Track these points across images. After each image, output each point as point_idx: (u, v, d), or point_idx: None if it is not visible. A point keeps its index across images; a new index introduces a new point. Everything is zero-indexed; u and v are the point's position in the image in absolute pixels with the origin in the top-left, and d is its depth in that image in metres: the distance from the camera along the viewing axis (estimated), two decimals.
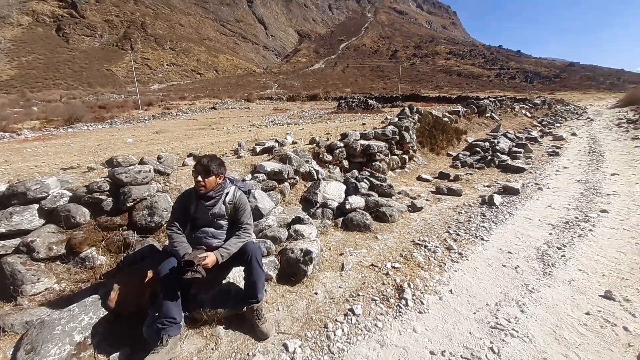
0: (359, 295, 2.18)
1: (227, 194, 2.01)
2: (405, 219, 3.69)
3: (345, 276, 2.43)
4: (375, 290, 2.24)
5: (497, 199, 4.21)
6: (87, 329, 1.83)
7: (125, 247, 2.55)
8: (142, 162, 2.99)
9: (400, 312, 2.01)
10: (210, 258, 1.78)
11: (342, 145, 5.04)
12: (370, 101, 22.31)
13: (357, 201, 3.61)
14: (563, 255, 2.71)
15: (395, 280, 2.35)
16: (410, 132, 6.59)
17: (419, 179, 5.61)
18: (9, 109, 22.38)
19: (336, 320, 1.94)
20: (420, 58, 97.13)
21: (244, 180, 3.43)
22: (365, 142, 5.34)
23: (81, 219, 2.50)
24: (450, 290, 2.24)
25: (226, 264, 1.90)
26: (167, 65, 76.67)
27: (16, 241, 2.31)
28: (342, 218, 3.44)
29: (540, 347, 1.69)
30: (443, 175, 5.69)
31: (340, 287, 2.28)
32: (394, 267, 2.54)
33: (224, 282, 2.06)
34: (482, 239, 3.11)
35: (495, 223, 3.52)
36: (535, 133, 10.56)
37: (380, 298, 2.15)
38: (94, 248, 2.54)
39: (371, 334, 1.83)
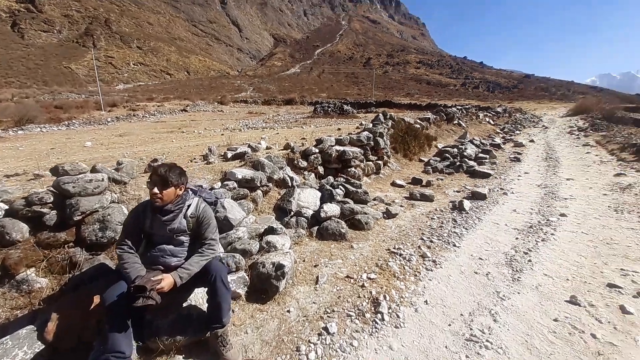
0: (333, 311, 2.07)
1: (188, 206, 1.82)
2: (380, 226, 3.66)
3: (319, 290, 2.31)
4: (351, 304, 2.15)
5: (467, 204, 4.34)
6: None
7: (71, 267, 2.25)
8: (94, 170, 2.69)
9: (376, 327, 1.93)
10: (166, 281, 1.58)
11: (317, 151, 4.96)
12: (345, 106, 22.58)
13: (332, 209, 3.53)
14: (529, 260, 2.80)
15: (371, 292, 2.28)
16: (385, 138, 6.68)
17: (394, 184, 5.67)
18: None
19: (309, 341, 1.82)
20: (392, 66, 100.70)
21: (212, 188, 3.22)
22: (341, 148, 5.30)
23: (18, 236, 2.17)
24: (426, 301, 2.21)
25: (187, 286, 1.71)
26: (133, 64, 72.57)
27: None
28: (317, 227, 3.34)
29: (513, 358, 1.69)
30: (416, 181, 5.81)
31: (314, 302, 2.16)
32: (369, 278, 2.47)
33: (184, 305, 1.85)
34: (454, 245, 3.15)
35: (466, 229, 3.60)
36: (498, 140, 11.22)
37: (356, 313, 2.06)
38: (32, 269, 2.21)
39: (346, 355, 1.73)
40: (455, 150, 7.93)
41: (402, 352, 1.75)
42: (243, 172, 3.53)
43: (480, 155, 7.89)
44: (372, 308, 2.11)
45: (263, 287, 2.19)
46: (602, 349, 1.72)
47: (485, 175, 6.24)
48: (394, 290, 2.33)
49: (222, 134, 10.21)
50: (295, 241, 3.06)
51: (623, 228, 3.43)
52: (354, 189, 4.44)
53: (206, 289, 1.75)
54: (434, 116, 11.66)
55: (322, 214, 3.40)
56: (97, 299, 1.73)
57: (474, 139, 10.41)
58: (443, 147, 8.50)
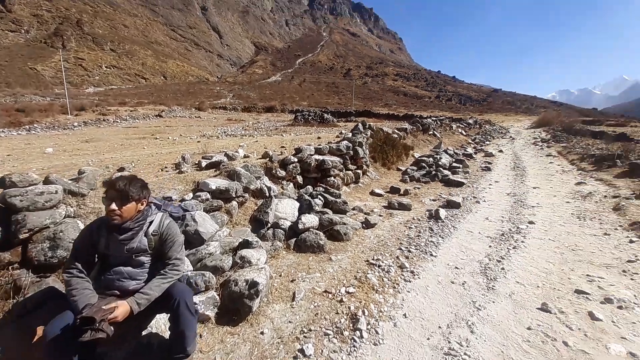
0: (310, 330, 1.97)
1: (150, 223, 1.67)
2: (359, 237, 3.63)
3: (296, 307, 2.21)
4: (329, 322, 2.06)
5: (443, 213, 4.43)
6: None
7: (16, 292, 1.99)
8: (47, 181, 2.44)
9: (354, 346, 1.85)
10: (121, 309, 1.41)
11: (296, 160, 4.89)
12: (326, 115, 22.81)
13: (310, 220, 3.45)
14: (502, 268, 2.87)
15: (349, 307, 2.21)
16: (364, 147, 6.75)
17: (372, 193, 5.70)
18: None
19: None
20: (371, 77, 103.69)
21: (182, 200, 3.04)
22: (320, 157, 5.27)
23: None
24: (404, 315, 2.17)
25: (146, 312, 1.54)
26: (106, 67, 69.25)
27: None
28: (294, 239, 3.24)
29: None
30: (394, 190, 5.88)
31: (290, 321, 2.05)
32: (348, 293, 2.40)
33: (144, 333, 1.68)
34: (431, 255, 3.17)
35: (442, 237, 3.65)
36: (470, 150, 11.74)
37: (334, 331, 1.97)
38: None
39: None
40: (431, 159, 8.17)
41: None
42: (217, 183, 3.38)
43: (454, 164, 8.17)
44: (351, 325, 2.03)
45: (235, 307, 2.05)
46: (575, 356, 1.75)
47: (459, 184, 6.44)
48: (373, 304, 2.27)
49: (198, 141, 9.88)
50: (272, 255, 2.94)
51: (586, 234, 3.63)
52: (333, 198, 4.40)
53: (169, 314, 1.59)
54: (411, 126, 12.02)
55: (300, 226, 3.31)
56: (40, 331, 1.52)
57: (448, 148, 10.82)
58: (419, 157, 8.73)
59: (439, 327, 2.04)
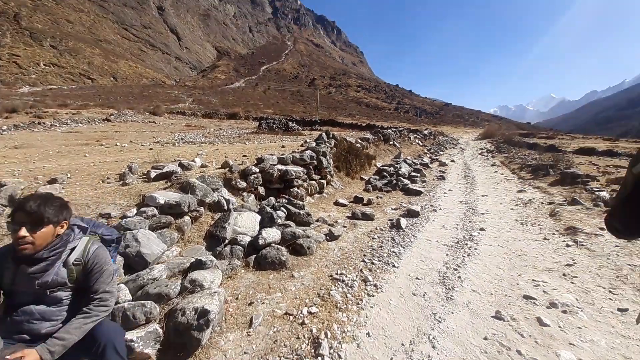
0: None
1: (72, 250, 1.40)
2: (323, 250, 3.53)
3: (253, 335, 2.02)
4: (289, 349, 1.91)
5: (404, 222, 4.54)
6: None
7: None
8: None
9: None
10: (29, 358, 1.14)
11: (257, 170, 4.69)
12: (291, 123, 22.71)
13: (272, 234, 3.27)
14: (459, 277, 2.96)
15: (311, 330, 2.08)
16: (328, 157, 6.75)
17: (337, 203, 5.68)
18: None
19: None
20: (335, 88, 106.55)
21: (124, 217, 2.69)
22: (283, 167, 5.13)
23: None
24: (368, 333, 2.10)
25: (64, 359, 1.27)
26: (44, 65, 61.62)
27: None
28: (254, 255, 3.03)
29: None
30: (358, 200, 5.93)
31: (245, 352, 1.86)
32: (310, 313, 2.27)
33: None
34: (394, 266, 3.19)
35: (403, 247, 3.71)
36: (426, 159, 12.46)
37: None
38: None
39: None
40: (392, 169, 8.47)
41: None
42: (167, 196, 3.06)
43: (413, 173, 8.56)
44: (312, 350, 1.90)
45: (181, 342, 1.81)
46: None
47: (418, 193, 6.73)
48: (336, 324, 2.17)
49: (151, 149, 9.13)
50: (229, 274, 2.71)
51: (529, 240, 3.95)
52: (296, 210, 4.27)
53: None
54: (373, 137, 12.43)
55: (261, 241, 3.12)
56: None
57: (407, 158, 11.35)
58: (382, 166, 9.01)
59: (402, 344, 2.01)
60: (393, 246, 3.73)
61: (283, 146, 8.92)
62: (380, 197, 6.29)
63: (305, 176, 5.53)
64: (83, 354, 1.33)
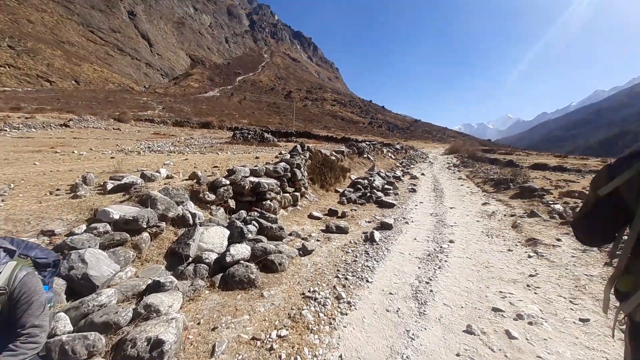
0: None
1: None
2: (296, 266, 3.40)
3: None
4: None
5: (377, 235, 4.54)
6: None
7: None
8: None
9: None
10: None
11: (228, 182, 4.49)
12: (266, 134, 22.45)
13: (241, 251, 3.09)
14: (431, 290, 2.97)
15: (280, 356, 1.93)
16: (302, 169, 6.68)
17: (311, 216, 5.58)
18: None
19: None
20: (311, 101, 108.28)
21: (71, 234, 2.39)
22: (256, 179, 4.96)
23: None
24: (340, 356, 1.99)
25: None
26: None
27: None
28: (221, 274, 2.82)
29: None
30: (332, 212, 5.88)
31: None
32: (280, 337, 2.12)
33: None
34: (367, 281, 3.13)
35: (377, 261, 3.68)
36: (399, 172, 12.83)
37: None
38: None
39: None
40: (366, 181, 8.58)
41: None
42: (123, 210, 2.79)
43: (386, 186, 8.73)
44: None
45: None
46: None
47: (391, 205, 6.83)
48: (307, 347, 2.04)
49: (113, 157, 8.50)
50: (191, 296, 2.48)
51: (495, 251, 4.10)
52: (268, 224, 4.11)
53: None
54: (348, 149, 12.61)
55: (228, 258, 2.92)
56: None
57: (380, 171, 11.61)
58: (356, 179, 9.10)
59: None
60: (367, 260, 3.69)
61: (257, 157, 8.72)
62: (355, 210, 6.29)
63: (279, 188, 5.40)
64: None
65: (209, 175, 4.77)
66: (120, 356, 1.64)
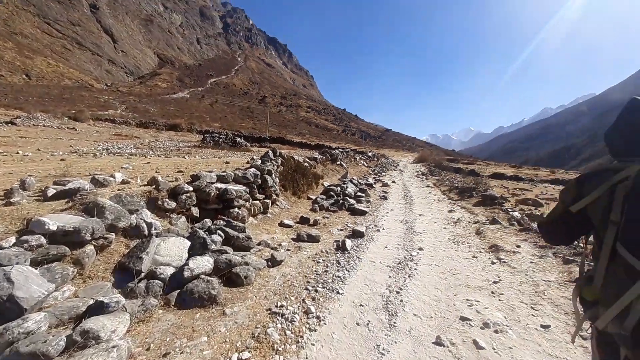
0: None
1: None
2: (263, 278, 3.21)
3: None
4: None
5: (349, 243, 4.48)
6: None
7: None
8: None
9: None
10: None
11: (191, 189, 4.19)
12: (238, 139, 21.83)
13: (202, 264, 2.84)
14: (401, 300, 2.94)
15: None
16: (274, 175, 6.50)
17: (282, 224, 5.41)
18: None
19: None
20: (286, 107, 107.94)
21: None
22: (222, 186, 4.70)
23: None
24: None
25: None
26: None
27: None
28: (178, 291, 2.56)
29: None
30: (304, 220, 5.74)
31: None
32: None
33: None
34: (338, 292, 3.03)
35: (348, 271, 3.61)
36: (371, 180, 13.06)
37: None
38: None
39: None
40: (339, 188, 8.57)
41: None
42: (63, 220, 2.45)
43: (359, 193, 8.79)
44: None
45: None
46: None
47: (363, 213, 6.86)
48: None
49: (62, 159, 7.70)
50: (141, 318, 2.20)
51: (461, 258, 4.22)
52: (235, 233, 3.88)
53: None
54: (321, 156, 12.60)
55: (187, 273, 2.66)
56: None
57: (353, 178, 11.72)
58: (329, 185, 9.06)
59: None
60: (338, 270, 3.60)
61: (227, 162, 8.37)
62: (327, 217, 6.21)
63: (248, 195, 5.16)
64: None
65: (170, 181, 4.43)
66: None
